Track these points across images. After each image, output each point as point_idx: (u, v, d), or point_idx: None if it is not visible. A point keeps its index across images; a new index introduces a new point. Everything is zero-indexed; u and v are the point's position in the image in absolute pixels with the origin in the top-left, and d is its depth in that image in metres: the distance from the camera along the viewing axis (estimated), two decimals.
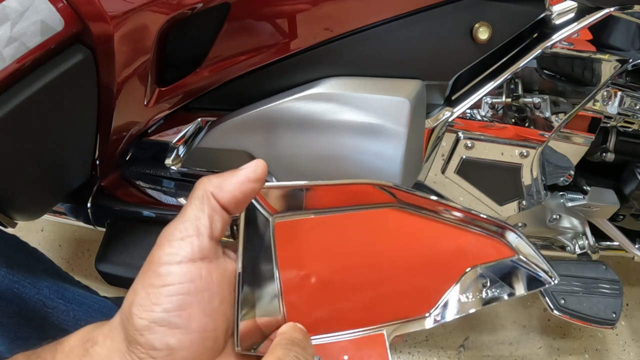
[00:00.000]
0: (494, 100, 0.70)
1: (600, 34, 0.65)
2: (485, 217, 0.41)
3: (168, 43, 0.57)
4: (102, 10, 0.48)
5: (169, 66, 0.59)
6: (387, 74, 0.62)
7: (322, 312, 0.39)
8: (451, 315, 0.42)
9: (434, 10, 0.60)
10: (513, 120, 0.72)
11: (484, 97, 0.68)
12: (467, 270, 0.42)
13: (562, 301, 0.84)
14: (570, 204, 0.82)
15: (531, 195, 0.77)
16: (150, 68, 0.56)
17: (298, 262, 0.38)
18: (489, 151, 0.71)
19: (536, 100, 0.70)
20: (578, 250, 0.89)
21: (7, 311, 0.56)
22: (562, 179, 0.81)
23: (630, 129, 0.81)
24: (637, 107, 0.74)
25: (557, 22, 0.63)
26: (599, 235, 0.89)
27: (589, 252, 0.89)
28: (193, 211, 0.35)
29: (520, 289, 0.42)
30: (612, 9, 0.62)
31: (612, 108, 0.73)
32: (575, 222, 0.86)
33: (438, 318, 0.42)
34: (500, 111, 0.71)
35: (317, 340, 0.38)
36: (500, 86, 0.67)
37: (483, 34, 0.60)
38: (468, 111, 0.69)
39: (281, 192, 0.38)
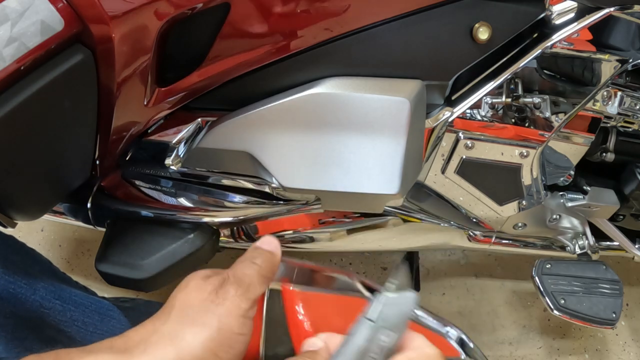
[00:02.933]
0: (494, 100, 0.70)
1: (600, 34, 0.65)
2: (433, 316, 0.49)
3: (168, 43, 0.57)
4: (102, 10, 0.48)
5: (169, 66, 0.59)
6: (387, 74, 0.62)
7: None
8: None
9: (434, 10, 0.60)
10: (513, 120, 0.72)
11: (484, 97, 0.68)
12: None
13: (562, 301, 0.84)
14: (570, 204, 0.82)
15: (531, 195, 0.77)
16: (150, 68, 0.56)
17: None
18: (489, 151, 0.71)
19: (536, 100, 0.70)
20: (578, 250, 0.89)
21: (3, 311, 0.56)
22: (562, 179, 0.81)
23: (630, 129, 0.81)
24: (637, 107, 0.74)
25: (557, 22, 0.63)
26: (599, 235, 0.89)
27: (589, 252, 0.89)
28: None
29: None
30: (612, 9, 0.62)
31: (612, 108, 0.73)
32: (575, 222, 0.86)
33: None
34: (500, 111, 0.72)
35: None
36: (500, 86, 0.67)
37: (483, 34, 0.60)
38: (468, 111, 0.69)
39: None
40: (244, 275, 0.41)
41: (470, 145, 0.70)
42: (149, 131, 0.68)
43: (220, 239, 0.74)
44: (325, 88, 0.61)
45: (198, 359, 0.36)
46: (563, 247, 0.92)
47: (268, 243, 0.44)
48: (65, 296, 0.65)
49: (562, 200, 0.83)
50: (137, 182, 0.72)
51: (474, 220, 0.82)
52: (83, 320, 0.66)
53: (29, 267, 0.62)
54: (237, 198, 0.71)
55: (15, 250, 0.63)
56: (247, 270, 0.41)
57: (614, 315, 0.85)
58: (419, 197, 0.78)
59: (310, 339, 0.42)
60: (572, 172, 0.80)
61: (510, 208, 0.79)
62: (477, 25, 0.60)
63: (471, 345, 0.46)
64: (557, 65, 0.71)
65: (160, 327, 0.38)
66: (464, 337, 0.47)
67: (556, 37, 0.63)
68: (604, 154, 0.81)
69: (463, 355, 0.47)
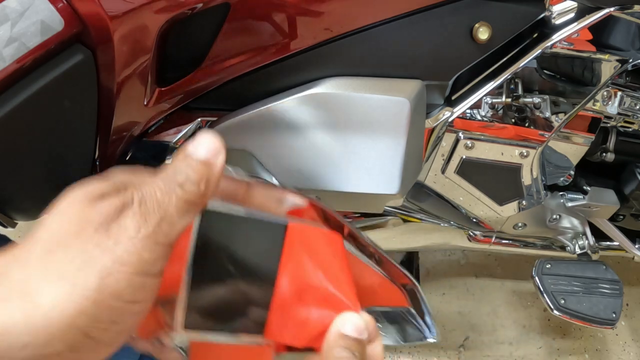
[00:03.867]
0: (494, 100, 0.70)
1: (600, 34, 0.65)
2: (398, 266, 0.42)
3: (168, 43, 0.57)
4: (102, 10, 0.48)
5: (169, 66, 0.59)
6: (387, 74, 0.62)
7: (225, 310, 0.37)
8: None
9: (434, 10, 0.60)
10: (513, 120, 0.72)
11: (484, 97, 0.68)
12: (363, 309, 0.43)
13: (562, 301, 0.84)
14: (570, 204, 0.82)
15: (531, 195, 0.77)
16: (150, 68, 0.56)
17: (217, 252, 0.35)
18: (489, 151, 0.71)
19: (536, 100, 0.70)
20: (578, 250, 0.89)
21: None
22: (562, 179, 0.81)
23: (630, 129, 0.81)
24: (637, 107, 0.74)
25: (557, 22, 0.63)
26: (599, 235, 0.89)
27: (589, 252, 0.89)
28: None
29: (402, 338, 0.43)
30: (612, 9, 0.62)
31: (612, 108, 0.73)
32: (575, 222, 0.86)
33: None
34: (500, 111, 0.72)
35: (212, 337, 0.36)
36: (500, 86, 0.67)
37: (483, 34, 0.60)
38: (468, 111, 0.69)
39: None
40: (157, 202, 0.26)
41: (470, 145, 0.70)
42: (149, 131, 0.68)
43: None
44: (326, 88, 0.61)
45: (55, 337, 0.24)
46: (563, 247, 0.92)
47: (204, 146, 0.28)
48: None
49: (562, 200, 0.83)
50: None
51: (474, 220, 0.82)
52: None
53: None
54: None
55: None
56: (163, 196, 0.26)
57: (614, 315, 0.85)
58: (419, 197, 0.78)
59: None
60: (572, 172, 0.80)
61: (510, 208, 0.79)
62: (477, 25, 0.60)
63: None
64: (557, 65, 0.71)
65: (13, 270, 0.25)
66: (418, 291, 0.44)
67: (556, 37, 0.63)
68: (604, 154, 0.81)
69: (409, 308, 0.44)
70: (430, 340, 0.43)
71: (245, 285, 0.36)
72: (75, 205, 0.27)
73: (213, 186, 0.29)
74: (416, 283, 0.42)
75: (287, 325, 0.36)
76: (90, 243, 0.25)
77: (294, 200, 0.40)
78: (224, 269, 0.35)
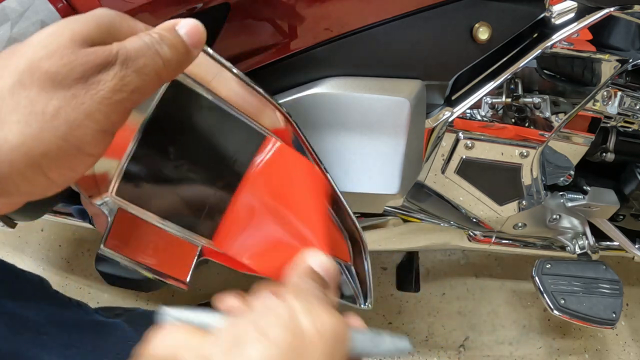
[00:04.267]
0: (494, 100, 0.70)
1: (600, 34, 0.65)
2: (356, 223, 0.41)
3: None
4: None
5: None
6: (387, 74, 0.62)
7: (155, 189, 0.36)
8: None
9: (434, 10, 0.60)
10: (513, 120, 0.72)
11: (484, 97, 0.68)
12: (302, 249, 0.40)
13: (562, 301, 0.84)
14: (570, 204, 0.82)
15: (531, 195, 0.77)
16: None
17: (166, 130, 0.35)
18: (489, 151, 0.71)
19: (536, 100, 0.70)
20: (578, 250, 0.89)
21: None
22: (562, 179, 0.81)
23: (630, 129, 0.81)
24: (637, 107, 0.74)
25: (557, 22, 0.63)
26: (599, 235, 0.89)
27: (589, 252, 0.89)
28: None
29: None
30: (612, 9, 0.62)
31: (612, 108, 0.73)
32: (575, 222, 0.86)
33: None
34: (500, 111, 0.72)
35: (138, 213, 0.35)
36: (500, 86, 0.67)
37: (483, 34, 0.60)
38: (468, 111, 0.69)
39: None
40: (138, 69, 0.27)
41: (470, 145, 0.70)
42: None
43: None
44: (325, 88, 0.60)
45: (16, 170, 0.25)
46: (563, 247, 0.92)
47: (190, 28, 0.29)
48: (57, 319, 0.63)
49: (562, 200, 0.83)
50: None
51: (474, 220, 0.82)
52: (81, 340, 0.64)
53: (22, 288, 0.61)
54: None
55: (4, 272, 0.62)
56: (145, 64, 0.27)
57: (614, 315, 0.85)
58: (419, 197, 0.78)
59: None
60: (572, 172, 0.80)
61: (510, 208, 0.79)
62: (477, 25, 0.60)
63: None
64: (557, 65, 0.71)
65: None
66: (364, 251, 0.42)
67: (556, 37, 0.63)
68: (604, 154, 0.81)
69: (349, 264, 0.43)
70: (363, 307, 0.42)
71: (198, 179, 0.35)
72: (59, 42, 0.25)
73: (186, 66, 0.29)
74: (366, 245, 0.41)
75: (242, 242, 0.35)
76: (67, 92, 0.25)
77: (272, 116, 0.38)
78: (176, 148, 0.34)
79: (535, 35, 0.65)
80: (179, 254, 0.36)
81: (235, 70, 0.38)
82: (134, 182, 0.34)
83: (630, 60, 0.67)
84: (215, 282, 1.03)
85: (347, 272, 0.42)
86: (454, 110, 0.67)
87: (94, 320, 0.68)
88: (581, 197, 0.82)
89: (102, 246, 0.33)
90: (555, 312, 0.84)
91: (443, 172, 0.73)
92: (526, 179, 0.75)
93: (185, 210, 0.36)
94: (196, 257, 0.36)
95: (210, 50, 0.35)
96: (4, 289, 0.58)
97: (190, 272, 0.36)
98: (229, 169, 0.35)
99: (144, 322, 0.77)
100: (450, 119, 0.68)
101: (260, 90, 0.39)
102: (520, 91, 0.70)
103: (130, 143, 0.33)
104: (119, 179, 0.33)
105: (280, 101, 0.61)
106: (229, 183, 0.36)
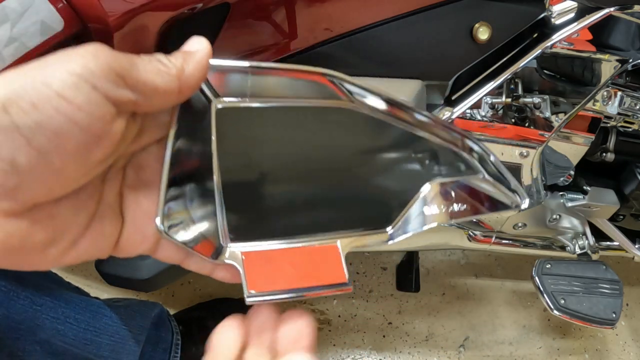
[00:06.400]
0: (494, 100, 0.70)
1: (600, 34, 0.65)
2: (450, 126, 0.38)
3: (168, 43, 0.57)
4: (102, 10, 0.48)
5: None
6: (387, 74, 0.62)
7: (265, 215, 0.35)
8: (415, 227, 0.38)
9: (434, 10, 0.60)
10: (513, 120, 0.72)
11: (484, 97, 0.68)
12: (428, 183, 0.38)
13: (562, 301, 0.84)
14: (570, 204, 0.82)
15: (531, 195, 0.77)
16: None
17: (239, 155, 0.34)
18: None
19: (536, 100, 0.70)
20: (578, 250, 0.89)
21: None
22: (562, 179, 0.81)
23: (630, 129, 0.81)
24: (637, 107, 0.74)
25: (557, 22, 0.63)
26: (599, 235, 0.89)
27: (589, 252, 0.89)
28: None
29: (485, 208, 0.40)
30: (612, 9, 0.62)
31: (612, 108, 0.73)
32: (575, 222, 0.86)
33: (400, 232, 0.38)
34: (500, 111, 0.71)
35: (258, 246, 0.34)
36: (500, 86, 0.67)
37: (483, 34, 0.60)
38: (468, 111, 0.69)
39: (225, 72, 0.33)
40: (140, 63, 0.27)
41: None
42: None
43: None
44: None
45: None
46: (563, 247, 0.92)
47: (193, 43, 0.31)
48: (55, 294, 0.64)
49: (562, 200, 0.83)
50: None
51: (474, 220, 0.82)
52: (75, 317, 0.65)
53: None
54: None
55: None
56: (146, 65, 0.28)
57: (614, 315, 0.85)
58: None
59: None
60: (572, 172, 0.80)
61: None
62: (477, 25, 0.60)
63: None
64: (557, 65, 0.71)
65: None
66: (485, 151, 0.39)
67: (556, 37, 0.63)
68: (604, 154, 0.81)
69: (481, 175, 0.39)
70: (523, 205, 0.39)
71: (298, 184, 0.34)
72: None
73: (193, 69, 0.29)
74: (474, 140, 0.39)
75: None
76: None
77: None
78: (261, 170, 0.34)
79: (535, 35, 0.65)
80: (323, 260, 0.35)
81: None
82: (242, 222, 0.34)
83: (630, 60, 0.67)
84: (215, 282, 1.03)
85: (483, 182, 0.40)
86: (454, 110, 0.67)
87: (90, 301, 0.69)
88: (581, 197, 0.82)
89: (246, 298, 0.32)
90: (555, 312, 0.84)
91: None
92: (526, 179, 0.75)
93: (305, 219, 0.35)
94: (341, 253, 0.35)
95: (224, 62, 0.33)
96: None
97: (346, 270, 0.35)
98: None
99: (141, 309, 0.78)
100: (450, 119, 0.68)
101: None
102: (520, 91, 0.70)
103: (217, 193, 0.33)
104: (226, 228, 0.33)
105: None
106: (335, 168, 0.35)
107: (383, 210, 0.38)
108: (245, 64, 0.32)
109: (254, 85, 0.33)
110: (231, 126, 0.33)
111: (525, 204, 0.39)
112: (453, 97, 0.68)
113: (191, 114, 0.32)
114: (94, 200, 0.29)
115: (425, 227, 0.38)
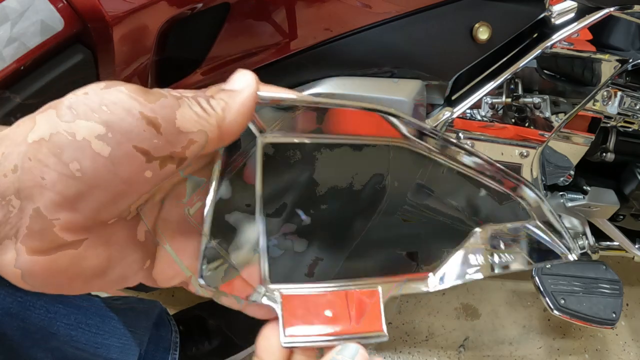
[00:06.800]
0: (494, 100, 0.70)
1: (600, 34, 0.65)
2: (503, 169, 0.36)
3: (168, 43, 0.57)
4: (102, 10, 0.48)
5: (169, 66, 0.59)
6: (387, 74, 0.62)
7: (307, 257, 0.34)
8: (456, 277, 0.37)
9: (434, 10, 0.60)
10: (513, 120, 0.72)
11: (484, 97, 0.68)
12: (476, 229, 0.37)
13: (562, 301, 0.84)
14: (570, 204, 0.82)
15: None
16: (150, 68, 0.56)
17: (284, 192, 0.32)
18: (489, 151, 0.71)
19: (536, 100, 0.70)
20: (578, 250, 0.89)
21: (11, 325, 0.56)
22: (562, 179, 0.81)
23: (630, 129, 0.81)
24: (637, 107, 0.74)
25: (557, 22, 0.63)
26: (599, 235, 0.89)
27: (589, 252, 0.89)
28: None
29: (533, 259, 0.38)
30: (612, 9, 0.62)
31: (612, 108, 0.73)
32: (575, 222, 0.86)
33: (442, 280, 0.36)
34: (500, 111, 0.71)
35: (297, 289, 0.33)
36: (500, 86, 0.67)
37: (483, 34, 0.60)
38: (468, 111, 0.69)
39: (272, 106, 0.31)
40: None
41: (470, 145, 0.70)
42: None
43: None
44: (326, 88, 0.60)
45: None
46: None
47: (239, 81, 0.28)
48: (66, 300, 0.65)
49: (562, 200, 0.83)
50: None
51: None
52: (86, 322, 0.66)
53: None
54: None
55: None
56: (185, 113, 0.25)
57: (614, 315, 0.85)
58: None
59: None
60: (572, 172, 0.80)
61: None
62: (477, 25, 0.60)
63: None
64: (557, 65, 0.71)
65: None
66: (541, 198, 0.38)
67: (556, 37, 0.63)
68: (604, 154, 0.81)
69: (534, 222, 0.37)
70: (573, 257, 0.37)
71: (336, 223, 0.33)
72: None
73: (237, 114, 0.26)
74: (530, 185, 0.37)
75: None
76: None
77: None
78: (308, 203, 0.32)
79: (535, 35, 0.65)
80: (362, 306, 0.34)
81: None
82: (282, 264, 0.33)
83: (630, 60, 0.67)
84: None
85: (535, 230, 0.39)
86: (454, 110, 0.67)
87: (97, 304, 0.70)
88: (581, 197, 0.82)
89: (282, 342, 0.30)
90: (555, 312, 0.84)
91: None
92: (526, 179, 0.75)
93: (346, 261, 0.34)
94: (381, 300, 0.34)
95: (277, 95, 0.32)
96: None
97: (384, 319, 0.33)
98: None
99: (144, 309, 0.79)
100: (450, 119, 0.68)
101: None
102: (520, 91, 0.70)
103: (260, 235, 0.31)
104: (267, 266, 0.32)
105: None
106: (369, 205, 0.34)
107: (425, 254, 0.37)
108: (293, 96, 0.30)
109: (303, 120, 0.31)
110: (276, 162, 0.31)
111: (575, 256, 0.38)
112: (453, 97, 0.68)
113: (235, 151, 0.30)
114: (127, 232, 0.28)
115: (468, 278, 0.37)
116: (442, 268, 0.37)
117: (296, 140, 0.31)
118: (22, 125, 0.24)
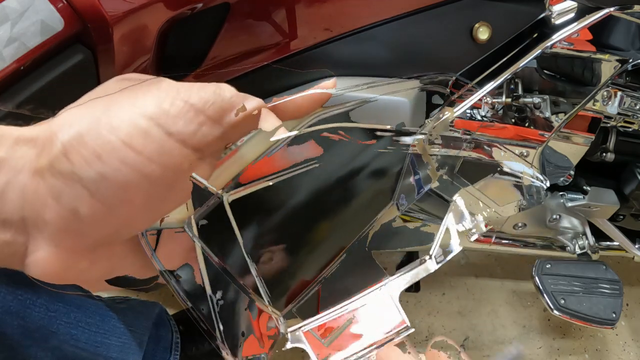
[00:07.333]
0: (494, 100, 0.70)
1: (600, 34, 0.65)
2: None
3: (168, 43, 0.57)
4: (102, 10, 0.48)
5: (169, 66, 0.59)
6: (387, 74, 0.62)
7: (310, 289, 0.35)
8: (455, 248, 0.38)
9: (434, 10, 0.60)
10: (513, 120, 0.72)
11: (484, 97, 0.68)
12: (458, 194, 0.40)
13: (562, 301, 0.84)
14: (570, 204, 0.82)
15: (531, 195, 0.77)
16: (150, 68, 0.56)
17: (261, 237, 0.34)
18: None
19: (536, 100, 0.70)
20: (578, 250, 0.89)
21: (11, 324, 0.56)
22: (562, 179, 0.81)
23: (630, 129, 0.81)
24: (637, 107, 0.74)
25: (557, 22, 0.63)
26: (599, 235, 0.89)
27: (589, 252, 0.89)
28: None
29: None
30: (612, 9, 0.62)
31: (612, 108, 0.73)
32: (575, 222, 0.86)
33: (440, 258, 0.38)
34: (500, 111, 0.71)
35: (314, 320, 0.34)
36: (500, 86, 0.67)
37: (483, 34, 0.60)
38: (468, 111, 0.69)
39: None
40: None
41: (470, 145, 0.70)
42: None
43: None
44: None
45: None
46: (563, 247, 0.92)
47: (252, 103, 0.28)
48: (66, 298, 0.65)
49: (562, 200, 0.83)
50: None
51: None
52: (86, 320, 0.66)
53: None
54: None
55: None
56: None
57: (614, 315, 0.85)
58: (420, 197, 0.78)
59: None
60: (572, 172, 0.80)
61: (510, 208, 0.79)
62: (477, 25, 0.60)
63: None
64: (557, 65, 0.71)
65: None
66: None
67: (556, 37, 0.63)
68: (604, 154, 0.81)
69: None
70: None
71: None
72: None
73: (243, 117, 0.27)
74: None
75: None
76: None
77: None
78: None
79: (535, 35, 0.65)
80: (378, 310, 0.36)
81: None
82: (292, 304, 0.34)
83: (630, 60, 0.67)
84: None
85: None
86: (454, 110, 0.67)
87: (97, 303, 0.70)
88: (581, 197, 0.82)
89: None
90: (555, 312, 0.84)
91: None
92: (526, 180, 0.75)
93: (349, 280, 0.36)
94: (393, 298, 0.37)
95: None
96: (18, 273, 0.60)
97: (402, 313, 0.37)
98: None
99: (144, 309, 0.79)
100: (450, 119, 0.68)
101: None
102: (520, 91, 0.70)
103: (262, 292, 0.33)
104: (281, 318, 0.33)
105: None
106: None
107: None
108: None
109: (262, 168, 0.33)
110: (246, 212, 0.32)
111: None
112: (453, 97, 0.68)
113: (209, 216, 0.31)
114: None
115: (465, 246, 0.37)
116: (435, 248, 0.40)
117: (259, 187, 0.33)
118: (20, 150, 0.23)
